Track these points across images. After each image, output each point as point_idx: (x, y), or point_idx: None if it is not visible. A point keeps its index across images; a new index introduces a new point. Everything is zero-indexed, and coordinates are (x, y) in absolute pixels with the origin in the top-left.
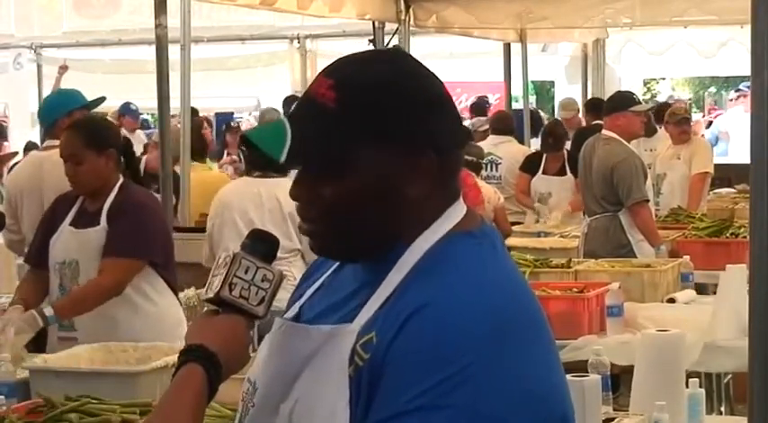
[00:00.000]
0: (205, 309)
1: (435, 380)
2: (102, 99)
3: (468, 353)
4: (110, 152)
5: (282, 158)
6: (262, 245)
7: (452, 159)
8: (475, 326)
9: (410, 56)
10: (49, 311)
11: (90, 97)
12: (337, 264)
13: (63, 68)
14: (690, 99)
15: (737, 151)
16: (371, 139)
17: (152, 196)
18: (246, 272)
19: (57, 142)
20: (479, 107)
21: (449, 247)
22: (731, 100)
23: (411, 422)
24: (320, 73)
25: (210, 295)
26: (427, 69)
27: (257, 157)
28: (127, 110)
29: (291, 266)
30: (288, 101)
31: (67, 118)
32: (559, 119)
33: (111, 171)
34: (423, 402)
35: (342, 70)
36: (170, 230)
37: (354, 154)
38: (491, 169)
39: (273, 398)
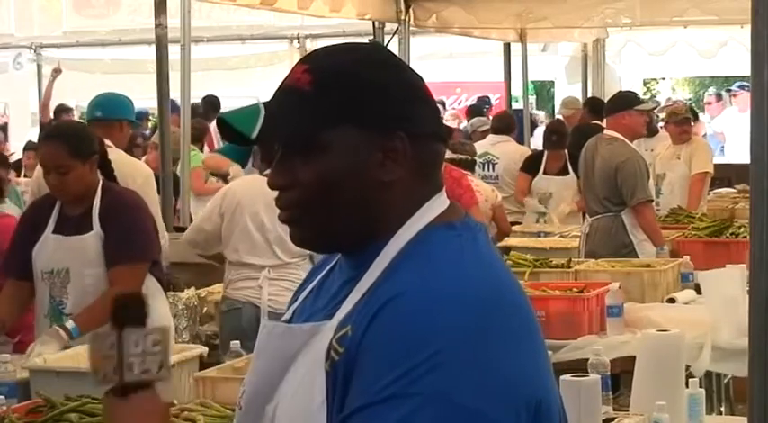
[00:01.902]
0: (108, 396)
1: (405, 368)
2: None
3: (437, 340)
4: (94, 158)
5: (254, 135)
6: (134, 311)
7: (429, 149)
8: (444, 314)
9: (387, 49)
10: (71, 324)
11: (90, 97)
12: (329, 268)
13: (56, 72)
14: (690, 99)
15: (733, 152)
16: (345, 121)
17: (136, 194)
18: (136, 345)
19: (106, 141)
20: (478, 109)
21: (426, 239)
22: (708, 103)
23: (382, 411)
24: (296, 63)
25: (113, 384)
26: (404, 62)
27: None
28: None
29: (300, 270)
30: (206, 100)
31: (127, 123)
32: (561, 117)
33: (94, 175)
34: (393, 391)
35: (317, 57)
36: (157, 226)
37: (328, 134)
38: (488, 169)
39: (259, 399)
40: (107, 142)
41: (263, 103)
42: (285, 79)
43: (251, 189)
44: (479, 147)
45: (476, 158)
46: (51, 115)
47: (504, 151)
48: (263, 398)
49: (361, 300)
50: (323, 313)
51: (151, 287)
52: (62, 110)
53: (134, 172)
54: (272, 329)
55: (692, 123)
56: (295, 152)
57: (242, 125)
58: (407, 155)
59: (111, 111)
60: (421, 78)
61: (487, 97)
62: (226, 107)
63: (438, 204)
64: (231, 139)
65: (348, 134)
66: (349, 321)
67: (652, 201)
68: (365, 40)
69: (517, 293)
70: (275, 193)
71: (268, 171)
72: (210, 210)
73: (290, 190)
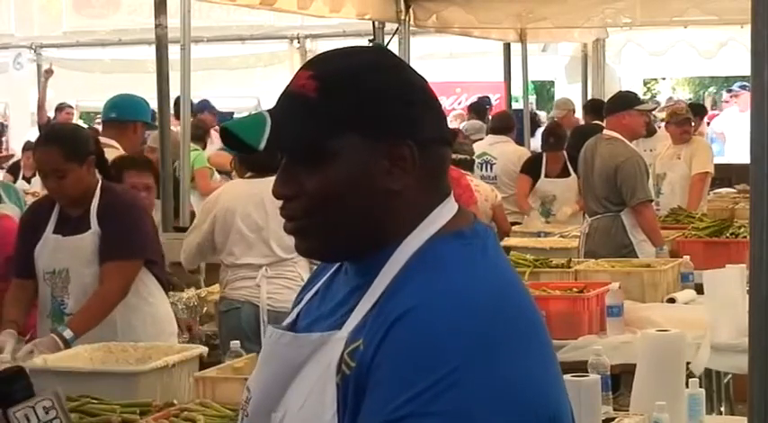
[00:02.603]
0: None
1: (422, 386)
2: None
3: (454, 357)
4: (90, 159)
5: (261, 146)
6: (15, 386)
7: (437, 155)
8: (460, 329)
9: (391, 52)
10: (68, 334)
11: (90, 97)
12: (333, 270)
13: (48, 72)
14: (690, 99)
15: (733, 152)
16: (351, 128)
17: (136, 194)
18: (29, 419)
19: (110, 141)
20: (479, 107)
21: (436, 249)
22: (726, 102)
23: None
24: (300, 68)
25: None
26: (409, 66)
27: (251, 157)
28: (206, 106)
29: (297, 266)
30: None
31: (141, 126)
32: (555, 118)
33: (92, 176)
34: (410, 410)
35: (322, 62)
36: (156, 227)
37: (334, 142)
38: (486, 169)
39: (265, 407)
40: (112, 142)
41: (268, 111)
42: (289, 85)
43: (238, 193)
44: (478, 147)
45: (473, 158)
46: (51, 114)
47: (502, 152)
48: (269, 406)
49: (372, 311)
50: (330, 321)
51: (151, 286)
52: (63, 108)
53: None
54: (279, 338)
55: (693, 123)
56: (300, 161)
57: (248, 135)
58: (415, 162)
59: (125, 112)
60: (425, 80)
61: (488, 97)
62: (225, 107)
63: (447, 210)
64: (236, 147)
65: (355, 142)
66: (360, 334)
67: (652, 201)
68: (365, 40)
69: (528, 303)
70: (264, 193)
71: (249, 174)
72: (199, 224)
73: (295, 199)
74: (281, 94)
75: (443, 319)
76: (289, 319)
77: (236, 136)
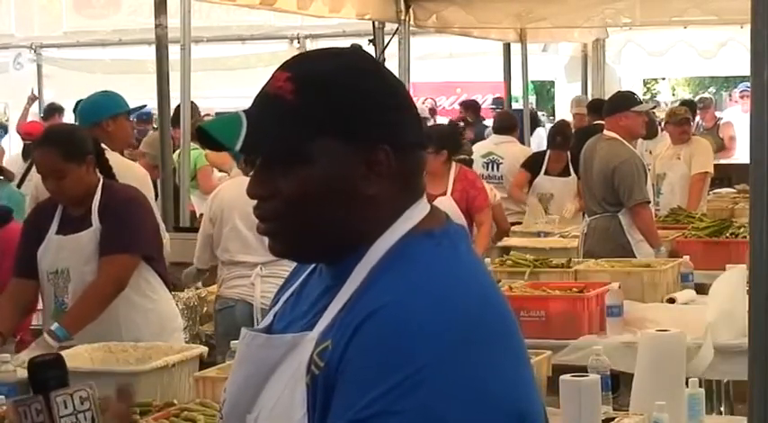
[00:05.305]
0: None
1: (389, 385)
2: (143, 107)
3: (421, 355)
4: (89, 159)
5: (238, 147)
6: (54, 371)
7: (413, 159)
8: (426, 328)
9: (369, 54)
10: (56, 327)
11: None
12: (309, 270)
13: (32, 99)
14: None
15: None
16: (328, 131)
17: (137, 190)
18: (66, 406)
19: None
20: (475, 104)
21: (405, 249)
22: (735, 101)
23: None
24: (277, 69)
25: None
26: (387, 69)
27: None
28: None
29: (293, 266)
30: (50, 106)
31: (112, 121)
32: (566, 117)
33: (92, 176)
34: (377, 408)
35: (299, 64)
36: (158, 223)
37: (311, 145)
38: (492, 169)
39: (240, 409)
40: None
41: (244, 111)
42: (266, 86)
43: (240, 191)
44: (483, 147)
45: (471, 158)
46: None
47: (508, 151)
48: (244, 408)
49: (342, 311)
50: (303, 322)
51: (153, 283)
52: (54, 109)
53: (127, 174)
54: (252, 340)
55: (692, 123)
56: (277, 162)
57: (224, 137)
58: (392, 167)
59: (86, 117)
60: (401, 83)
61: (501, 99)
62: (226, 107)
63: (418, 211)
64: (213, 148)
65: (332, 146)
66: (330, 334)
67: (649, 202)
68: (365, 40)
69: (499, 301)
70: None
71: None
72: (203, 222)
73: (270, 200)
74: (258, 94)
75: (412, 318)
76: (266, 321)
77: (213, 136)
